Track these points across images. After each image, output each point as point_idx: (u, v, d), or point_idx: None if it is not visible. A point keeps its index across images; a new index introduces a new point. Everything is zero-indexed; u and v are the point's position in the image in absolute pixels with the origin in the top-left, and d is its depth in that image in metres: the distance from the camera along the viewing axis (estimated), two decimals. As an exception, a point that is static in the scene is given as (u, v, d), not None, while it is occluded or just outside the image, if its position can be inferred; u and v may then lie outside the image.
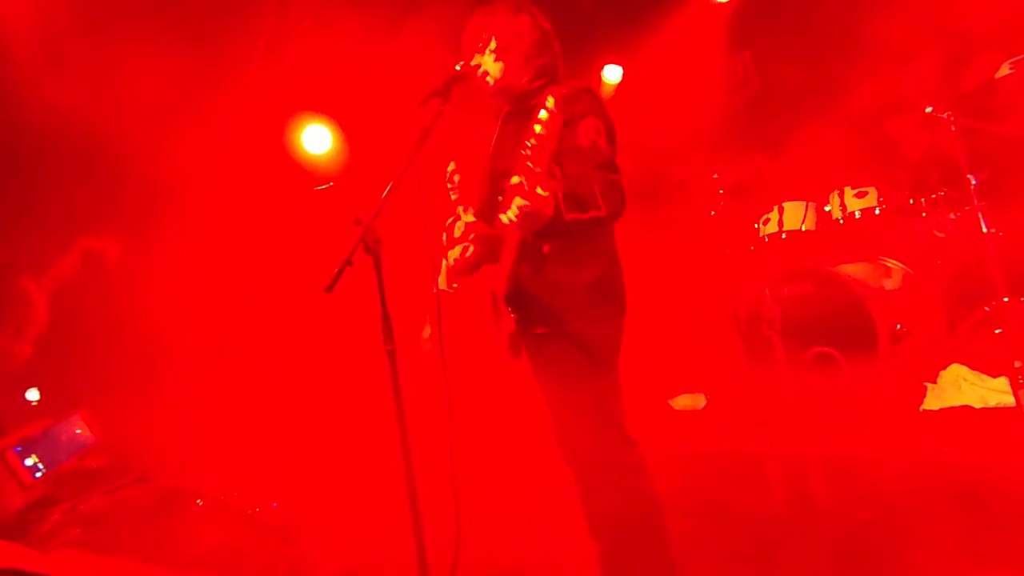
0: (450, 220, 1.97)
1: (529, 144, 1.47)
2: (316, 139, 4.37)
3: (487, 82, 1.86)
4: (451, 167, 2.00)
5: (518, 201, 1.48)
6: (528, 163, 1.46)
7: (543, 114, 1.48)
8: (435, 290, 1.83)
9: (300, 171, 4.24)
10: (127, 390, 3.49)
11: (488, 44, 1.84)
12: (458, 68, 1.84)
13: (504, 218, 1.54)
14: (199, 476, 3.26)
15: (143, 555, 1.54)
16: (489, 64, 1.85)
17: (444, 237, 1.96)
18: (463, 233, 1.87)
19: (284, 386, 2.84)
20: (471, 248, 1.89)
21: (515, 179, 1.50)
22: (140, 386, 3.54)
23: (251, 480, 3.23)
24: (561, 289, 1.76)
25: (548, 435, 2.06)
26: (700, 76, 5.08)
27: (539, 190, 1.45)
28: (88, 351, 3.57)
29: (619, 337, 1.86)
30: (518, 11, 1.85)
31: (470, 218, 1.89)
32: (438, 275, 2.01)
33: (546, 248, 1.77)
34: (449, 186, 2.00)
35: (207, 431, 3.68)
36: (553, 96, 1.48)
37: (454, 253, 1.91)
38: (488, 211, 1.95)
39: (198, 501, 1.87)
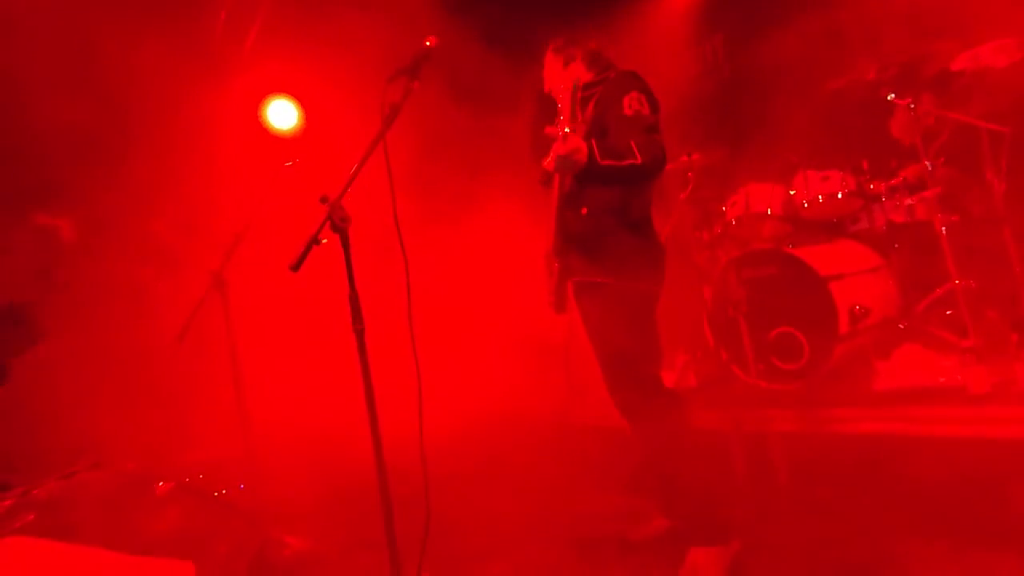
0: None
1: (559, 107, 1.91)
2: (282, 114, 4.25)
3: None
4: None
5: (556, 149, 1.83)
6: (565, 118, 1.87)
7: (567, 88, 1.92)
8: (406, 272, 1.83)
9: (266, 147, 4.12)
10: (87, 374, 3.38)
11: (553, 75, 2.33)
12: (428, 44, 1.82)
13: (545, 163, 1.92)
14: (161, 459, 3.19)
15: (102, 541, 1.49)
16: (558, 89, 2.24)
17: None
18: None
19: (249, 366, 2.79)
20: None
21: (551, 134, 1.86)
22: (101, 369, 3.42)
23: (216, 462, 3.18)
24: (594, 249, 2.10)
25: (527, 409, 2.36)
26: (672, 60, 5.10)
27: (566, 139, 1.80)
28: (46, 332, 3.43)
29: (642, 297, 2.13)
30: (561, 49, 2.32)
31: None
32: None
33: (584, 210, 2.12)
34: None
35: (170, 414, 3.59)
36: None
37: None
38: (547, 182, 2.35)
39: (160, 484, 1.82)
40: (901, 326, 3.13)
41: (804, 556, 2.08)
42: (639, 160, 1.89)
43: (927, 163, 2.99)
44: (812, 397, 2.88)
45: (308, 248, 1.59)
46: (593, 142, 1.87)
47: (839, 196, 3.27)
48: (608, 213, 2.10)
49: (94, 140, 3.51)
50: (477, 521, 2.81)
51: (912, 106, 3.00)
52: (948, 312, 3.01)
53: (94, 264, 3.53)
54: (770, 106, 4.01)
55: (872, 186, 3.31)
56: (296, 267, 1.58)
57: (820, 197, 3.30)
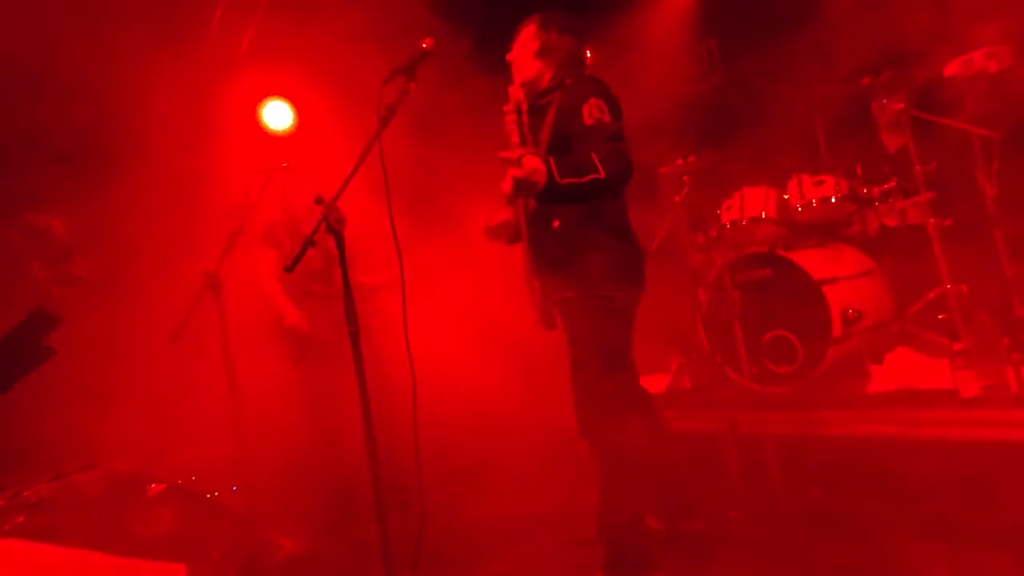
0: None
1: (509, 128, 1.88)
2: (277, 116, 4.24)
3: (517, 79, 2.18)
4: None
5: (513, 172, 1.77)
6: (515, 143, 1.87)
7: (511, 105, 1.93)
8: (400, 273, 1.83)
9: (262, 148, 4.11)
10: (80, 373, 3.35)
11: (520, 51, 2.19)
12: (424, 46, 1.82)
13: (503, 186, 1.84)
14: (154, 460, 3.17)
15: (92, 543, 1.48)
16: (517, 67, 2.19)
17: None
18: None
19: (243, 366, 2.78)
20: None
21: (506, 157, 1.80)
22: (94, 370, 3.40)
23: (209, 463, 3.16)
24: (571, 262, 2.00)
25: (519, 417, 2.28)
26: (667, 64, 5.12)
27: (521, 162, 1.76)
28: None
29: (627, 306, 2.07)
30: (547, 28, 2.16)
31: None
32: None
33: (556, 223, 2.03)
34: None
35: (163, 415, 3.57)
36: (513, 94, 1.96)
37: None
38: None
39: (152, 486, 1.81)
40: (893, 329, 3.15)
41: (797, 557, 2.08)
42: (602, 174, 1.78)
43: (918, 168, 3.02)
44: (806, 400, 2.90)
45: (304, 249, 1.59)
46: (551, 161, 1.78)
47: (832, 200, 3.29)
48: (582, 223, 2.00)
49: (89, 141, 3.50)
50: (471, 523, 2.80)
51: (904, 111, 3.02)
52: (940, 316, 3.03)
53: (87, 264, 3.51)
54: (765, 110, 4.03)
55: (865, 190, 3.33)
56: (291, 268, 1.58)
57: (814, 201, 3.32)
